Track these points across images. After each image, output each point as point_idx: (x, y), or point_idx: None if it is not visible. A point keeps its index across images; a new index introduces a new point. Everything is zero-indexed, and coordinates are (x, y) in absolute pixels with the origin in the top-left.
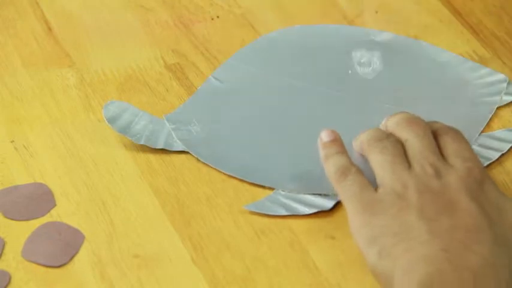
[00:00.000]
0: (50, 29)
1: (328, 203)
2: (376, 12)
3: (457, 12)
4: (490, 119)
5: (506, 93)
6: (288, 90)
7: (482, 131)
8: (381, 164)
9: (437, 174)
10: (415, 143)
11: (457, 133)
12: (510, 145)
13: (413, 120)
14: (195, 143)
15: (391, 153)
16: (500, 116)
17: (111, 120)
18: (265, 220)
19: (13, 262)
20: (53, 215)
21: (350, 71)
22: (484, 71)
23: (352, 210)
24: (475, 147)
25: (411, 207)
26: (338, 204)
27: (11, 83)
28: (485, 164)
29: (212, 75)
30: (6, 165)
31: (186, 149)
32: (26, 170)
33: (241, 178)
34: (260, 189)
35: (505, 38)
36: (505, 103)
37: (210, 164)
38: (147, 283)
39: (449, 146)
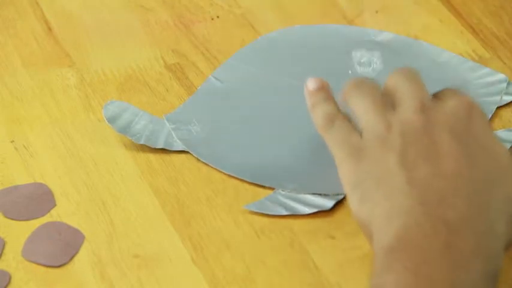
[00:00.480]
0: (50, 29)
1: (328, 203)
2: (376, 12)
3: (457, 12)
4: (490, 119)
5: (506, 93)
6: (288, 90)
7: None
8: (362, 107)
9: (423, 108)
10: (405, 84)
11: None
12: (510, 145)
13: (406, 68)
14: (195, 143)
15: (371, 94)
16: (500, 116)
17: (111, 120)
18: (265, 220)
19: (13, 262)
20: (53, 215)
21: (350, 71)
22: (484, 71)
23: (339, 157)
24: None
25: (393, 150)
26: (338, 204)
27: (11, 83)
28: None
29: (212, 75)
30: (6, 165)
31: (186, 149)
32: (26, 170)
33: (241, 178)
34: (260, 189)
35: (505, 38)
36: (505, 103)
37: (210, 164)
38: (147, 283)
39: (446, 91)
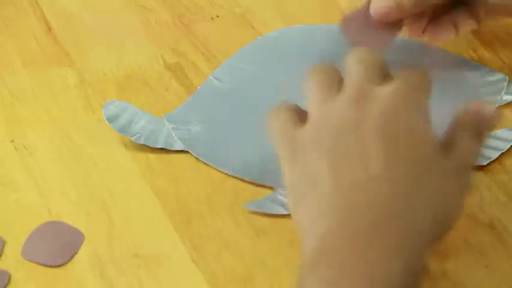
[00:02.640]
0: (49, 28)
1: None
2: None
3: None
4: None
5: (506, 93)
6: (288, 89)
7: None
8: (308, 93)
9: (359, 99)
10: (355, 67)
11: (422, 70)
12: (510, 144)
13: (366, 49)
14: (194, 142)
15: (321, 81)
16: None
17: (111, 120)
18: (265, 220)
19: (13, 262)
20: (53, 215)
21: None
22: (484, 70)
23: (279, 154)
24: None
25: (323, 153)
26: None
27: (11, 82)
28: (485, 163)
29: (212, 74)
30: (6, 165)
31: (186, 149)
32: (26, 170)
33: (241, 177)
34: (260, 189)
35: (505, 38)
36: (505, 102)
37: (209, 163)
38: (147, 283)
39: (401, 73)
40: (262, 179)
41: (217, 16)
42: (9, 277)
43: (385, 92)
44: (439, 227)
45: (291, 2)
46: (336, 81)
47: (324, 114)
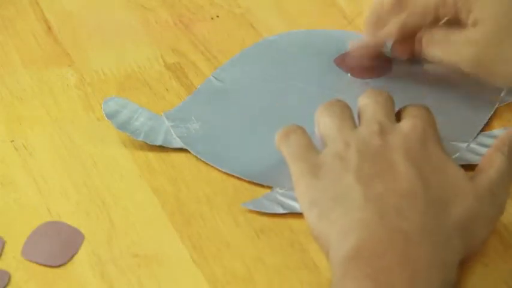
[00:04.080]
0: (49, 28)
1: None
2: None
3: None
4: (490, 118)
5: (507, 93)
6: (287, 91)
7: (481, 130)
8: (327, 125)
9: (382, 132)
10: (371, 106)
11: (422, 104)
12: None
13: (377, 90)
14: (193, 141)
15: (338, 115)
16: (500, 115)
17: (111, 116)
18: (265, 220)
19: (13, 262)
20: (53, 215)
21: (349, 74)
22: None
23: (296, 173)
24: (474, 145)
25: (350, 169)
26: None
27: (10, 82)
28: None
29: (212, 75)
30: (6, 165)
31: (185, 146)
32: (26, 170)
33: (239, 176)
34: (260, 188)
35: None
36: (505, 103)
37: (207, 162)
38: (147, 283)
39: (407, 110)
40: (261, 178)
41: (217, 16)
42: (9, 277)
43: (405, 127)
44: (467, 246)
45: (291, 2)
46: (350, 115)
47: (347, 140)
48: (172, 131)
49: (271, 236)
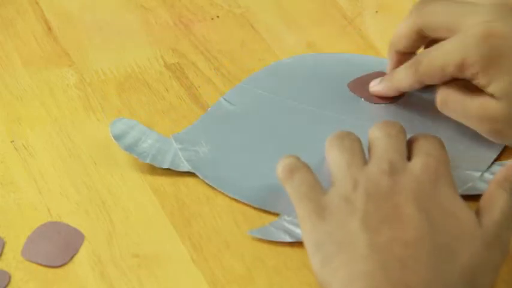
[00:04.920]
0: (49, 28)
1: None
2: (376, 12)
3: None
4: (504, 147)
5: None
6: (298, 115)
7: (495, 160)
8: (336, 161)
9: (392, 171)
10: (382, 141)
11: (435, 137)
12: None
13: (390, 122)
14: (201, 164)
15: (348, 150)
16: None
17: (118, 138)
18: (265, 220)
19: (13, 262)
20: (53, 215)
21: (363, 99)
22: None
23: (302, 213)
24: (487, 175)
25: (356, 213)
26: None
27: (10, 82)
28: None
29: (223, 97)
30: (6, 165)
31: (192, 170)
32: (26, 170)
33: (248, 203)
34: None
35: None
36: None
37: (215, 187)
38: (147, 283)
39: (419, 145)
40: (268, 205)
41: (217, 16)
42: (9, 277)
43: (416, 167)
44: None
45: (291, 2)
46: (359, 148)
47: (354, 178)
48: (180, 153)
49: None
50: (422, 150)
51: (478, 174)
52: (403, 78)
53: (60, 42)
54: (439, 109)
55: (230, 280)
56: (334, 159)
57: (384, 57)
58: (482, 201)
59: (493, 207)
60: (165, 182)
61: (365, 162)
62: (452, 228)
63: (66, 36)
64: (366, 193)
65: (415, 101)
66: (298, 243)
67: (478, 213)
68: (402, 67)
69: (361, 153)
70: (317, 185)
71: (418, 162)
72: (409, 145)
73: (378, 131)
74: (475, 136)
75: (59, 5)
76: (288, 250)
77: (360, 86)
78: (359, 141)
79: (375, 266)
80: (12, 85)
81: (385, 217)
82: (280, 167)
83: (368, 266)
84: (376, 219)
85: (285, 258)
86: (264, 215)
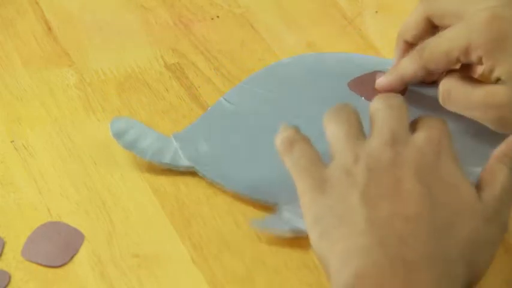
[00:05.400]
0: (49, 28)
1: None
2: (376, 12)
3: None
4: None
5: None
6: (299, 115)
7: None
8: (335, 134)
9: (394, 142)
10: (384, 112)
11: (437, 117)
12: None
13: (391, 94)
14: (201, 162)
15: (346, 122)
16: None
17: (118, 136)
18: None
19: (13, 262)
20: (53, 215)
21: (363, 98)
22: None
23: (301, 187)
24: None
25: (357, 186)
26: None
27: (10, 82)
28: None
29: (223, 97)
30: (6, 165)
31: (192, 166)
32: (26, 170)
33: (249, 196)
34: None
35: None
36: None
37: (215, 182)
38: (147, 283)
39: (422, 121)
40: (271, 198)
41: (217, 16)
42: (9, 277)
43: (420, 139)
44: (471, 273)
45: (291, 2)
46: (357, 119)
47: (355, 151)
48: (180, 152)
49: (271, 236)
50: (426, 124)
51: (479, 169)
52: (407, 66)
53: (60, 42)
54: (441, 102)
55: (230, 280)
56: (333, 132)
57: (384, 57)
58: (483, 176)
59: (494, 182)
60: (165, 182)
61: (363, 133)
62: (453, 202)
63: (66, 36)
64: (367, 167)
65: (416, 99)
66: (298, 243)
67: (478, 188)
68: (407, 56)
69: (358, 124)
70: (317, 158)
71: (421, 135)
72: (412, 125)
73: (378, 102)
74: (476, 133)
75: (59, 5)
76: (288, 250)
77: (360, 85)
78: (356, 112)
79: (373, 241)
80: (12, 85)
81: (385, 192)
82: (279, 139)
83: (366, 241)
84: (377, 193)
85: (285, 258)
86: (264, 215)
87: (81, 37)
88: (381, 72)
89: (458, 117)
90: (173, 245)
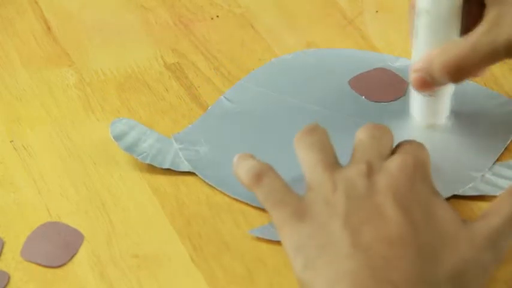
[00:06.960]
0: (49, 28)
1: None
2: (376, 12)
3: None
4: (506, 148)
5: None
6: (299, 113)
7: (496, 160)
8: (311, 163)
9: (369, 172)
10: (365, 143)
11: (417, 142)
12: None
13: (376, 125)
14: (202, 164)
15: (322, 150)
16: None
17: (118, 138)
18: (265, 220)
19: (12, 262)
20: (53, 215)
21: (363, 96)
22: (502, 99)
23: (279, 217)
24: (488, 176)
25: (337, 214)
26: None
27: (10, 82)
28: (498, 193)
29: (223, 95)
30: (6, 165)
31: (193, 170)
32: (25, 170)
33: (248, 202)
34: None
35: None
36: None
37: (216, 186)
38: (146, 283)
39: (400, 147)
40: None
41: (217, 16)
42: (9, 278)
43: (393, 166)
44: None
45: (291, 2)
46: (331, 145)
47: (333, 181)
48: (180, 153)
49: None
50: (402, 150)
51: (479, 174)
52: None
53: (59, 42)
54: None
55: (230, 280)
56: (308, 160)
57: (386, 54)
58: (491, 205)
59: (496, 212)
60: (165, 182)
61: (337, 159)
62: (433, 227)
63: (66, 36)
64: (346, 195)
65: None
66: None
67: (483, 214)
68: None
69: (332, 150)
70: (288, 188)
71: (394, 160)
72: (393, 151)
73: (362, 133)
74: (476, 137)
75: (58, 5)
76: None
77: (361, 83)
78: (327, 135)
79: (360, 264)
80: (12, 85)
81: (367, 217)
82: (243, 172)
83: (353, 264)
84: (358, 219)
85: (285, 258)
86: (264, 215)
87: (81, 37)
88: (382, 69)
89: (460, 121)
90: (173, 245)
